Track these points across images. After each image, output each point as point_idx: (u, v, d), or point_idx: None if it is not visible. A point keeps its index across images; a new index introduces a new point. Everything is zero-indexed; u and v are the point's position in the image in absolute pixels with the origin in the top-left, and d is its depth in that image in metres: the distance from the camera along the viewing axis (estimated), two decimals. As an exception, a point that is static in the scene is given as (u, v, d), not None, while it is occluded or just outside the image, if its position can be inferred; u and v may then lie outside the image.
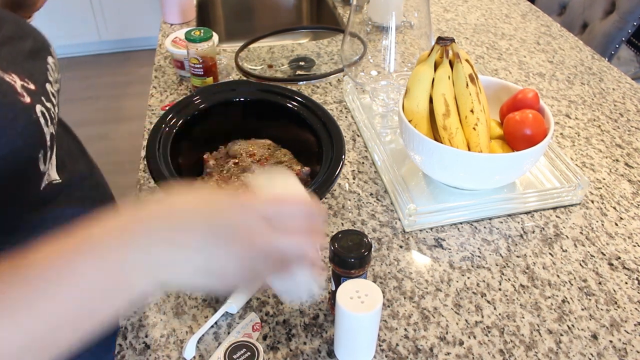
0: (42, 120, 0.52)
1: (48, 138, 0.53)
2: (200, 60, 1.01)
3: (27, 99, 0.51)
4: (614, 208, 0.83)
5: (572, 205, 0.83)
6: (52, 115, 0.55)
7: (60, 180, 0.61)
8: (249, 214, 0.41)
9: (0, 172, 0.48)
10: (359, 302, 0.55)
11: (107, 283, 0.37)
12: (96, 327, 0.38)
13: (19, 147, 0.49)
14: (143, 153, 0.90)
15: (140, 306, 0.46)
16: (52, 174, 0.59)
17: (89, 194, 0.71)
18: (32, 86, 0.53)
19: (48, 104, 0.54)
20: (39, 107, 0.52)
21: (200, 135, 0.78)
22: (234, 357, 0.54)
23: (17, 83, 0.51)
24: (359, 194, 0.84)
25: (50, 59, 0.61)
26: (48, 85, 0.57)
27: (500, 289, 0.70)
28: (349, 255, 0.58)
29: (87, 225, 0.38)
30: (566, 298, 0.69)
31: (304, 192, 0.47)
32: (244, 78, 1.12)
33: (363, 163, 0.90)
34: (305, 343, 0.63)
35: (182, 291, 0.68)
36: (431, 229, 0.78)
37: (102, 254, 0.37)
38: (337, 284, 0.61)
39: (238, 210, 0.41)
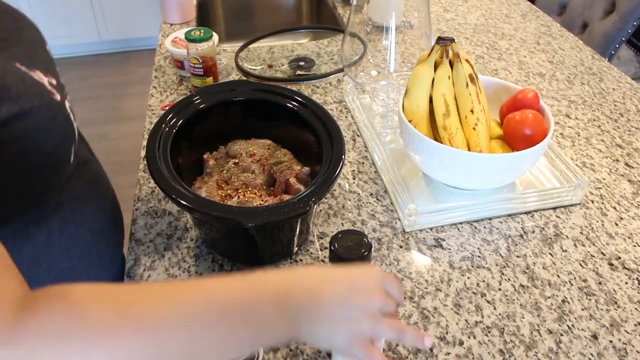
0: (71, 116, 0.56)
1: (76, 133, 0.59)
2: (200, 60, 1.01)
3: (58, 97, 0.54)
4: (614, 208, 0.83)
5: (572, 205, 0.83)
6: (72, 110, 0.59)
7: (75, 160, 0.64)
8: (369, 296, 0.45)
9: (43, 165, 0.54)
10: None
11: (262, 323, 0.42)
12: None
13: (58, 142, 0.54)
14: (143, 153, 0.90)
15: None
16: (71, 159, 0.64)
17: (95, 175, 0.73)
18: (54, 81, 0.55)
19: (68, 97, 0.57)
20: (67, 103, 0.56)
21: (200, 135, 0.78)
22: (234, 357, 0.54)
23: (44, 80, 0.53)
24: (359, 194, 0.84)
25: (47, 47, 0.62)
26: (59, 77, 0.59)
27: (500, 289, 0.70)
28: (349, 255, 0.58)
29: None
30: (566, 298, 0.69)
31: None
32: (244, 78, 1.12)
33: (363, 163, 0.90)
34: (305, 343, 0.63)
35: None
36: (431, 229, 0.78)
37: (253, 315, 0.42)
38: (337, 284, 0.61)
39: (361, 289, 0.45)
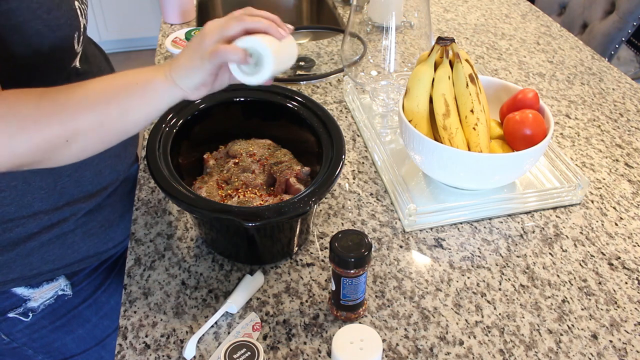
0: (78, 12, 0.69)
1: (82, 26, 0.70)
2: (200, 60, 1.00)
3: None
4: (614, 208, 0.83)
5: (572, 205, 0.83)
6: (84, 12, 0.71)
7: (81, 69, 0.75)
8: (204, 27, 0.58)
9: (49, 41, 0.65)
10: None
11: (142, 88, 0.57)
12: (133, 125, 0.59)
13: (61, 24, 0.66)
14: (143, 153, 0.90)
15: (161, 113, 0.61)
16: (77, 62, 0.74)
17: None
18: None
19: (83, 6, 0.71)
20: (76, 3, 0.69)
21: (200, 135, 0.78)
22: (234, 357, 0.54)
23: None
24: (359, 194, 0.84)
25: None
26: None
27: (500, 289, 0.70)
28: (349, 255, 0.58)
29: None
30: (566, 298, 0.69)
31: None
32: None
33: (363, 163, 0.90)
34: (305, 343, 0.63)
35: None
36: (431, 229, 0.78)
37: (136, 76, 0.58)
38: (337, 284, 0.61)
39: (200, 30, 0.59)
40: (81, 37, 0.71)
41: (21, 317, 0.79)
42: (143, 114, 0.59)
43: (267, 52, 0.56)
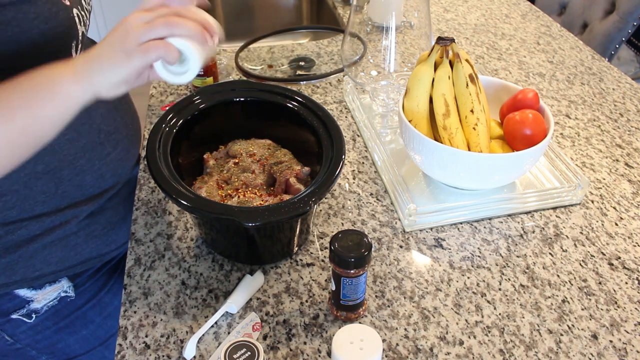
0: (76, 19, 0.68)
1: (80, 34, 0.69)
2: (200, 60, 1.01)
3: (67, 2, 0.66)
4: (614, 208, 0.83)
5: (572, 205, 0.83)
6: (84, 20, 0.71)
7: None
8: (125, 22, 0.55)
9: (45, 50, 0.64)
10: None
11: (47, 89, 0.54)
12: (44, 130, 0.56)
13: (58, 34, 0.65)
14: (143, 153, 0.90)
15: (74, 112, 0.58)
16: None
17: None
18: None
19: (82, 12, 0.70)
20: (75, 10, 0.68)
21: (200, 135, 0.78)
22: (234, 357, 0.54)
23: None
24: (359, 194, 0.84)
25: None
26: (83, 1, 0.72)
27: (500, 289, 0.70)
28: (349, 255, 0.58)
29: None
30: (566, 298, 0.69)
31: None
32: (244, 78, 1.12)
33: (363, 163, 0.90)
34: (305, 343, 0.63)
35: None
36: (431, 229, 0.78)
37: (42, 77, 0.55)
38: (337, 284, 0.61)
39: (119, 25, 0.55)
40: (79, 45, 0.70)
41: (24, 319, 0.79)
42: (49, 121, 0.55)
43: (195, 58, 0.55)
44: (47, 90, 0.54)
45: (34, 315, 0.79)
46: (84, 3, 0.72)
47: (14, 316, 0.78)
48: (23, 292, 0.78)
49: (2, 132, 0.53)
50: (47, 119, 0.55)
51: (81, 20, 0.69)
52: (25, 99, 0.54)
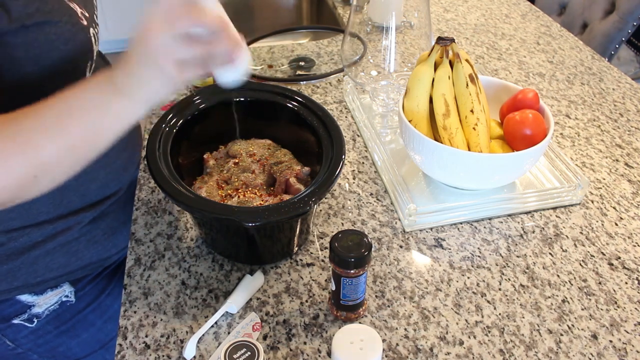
0: (92, 39, 0.68)
1: (94, 54, 0.70)
2: (200, 60, 1.00)
3: (85, 22, 0.67)
4: (614, 208, 0.83)
5: (572, 205, 0.83)
6: (97, 38, 0.71)
7: None
8: (158, 35, 0.51)
9: (61, 70, 0.64)
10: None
11: (99, 108, 0.53)
12: (102, 144, 0.55)
13: (76, 55, 0.65)
14: (143, 153, 0.90)
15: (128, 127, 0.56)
16: None
17: None
18: (86, 14, 0.69)
19: (96, 29, 0.70)
20: (91, 30, 0.68)
21: (200, 135, 0.78)
22: (234, 357, 0.54)
23: (78, 10, 0.66)
24: (359, 194, 0.84)
25: None
26: (94, 16, 0.72)
27: (500, 289, 0.70)
28: (349, 255, 0.58)
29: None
30: (566, 298, 0.69)
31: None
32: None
33: (363, 163, 0.90)
34: (305, 343, 0.63)
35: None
36: (431, 229, 0.78)
37: (92, 93, 0.54)
38: (337, 284, 0.61)
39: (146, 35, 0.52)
40: (93, 64, 0.70)
41: (26, 323, 0.79)
42: (111, 132, 0.55)
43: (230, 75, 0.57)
44: (96, 108, 0.53)
45: (35, 320, 0.79)
46: (95, 20, 0.71)
47: (15, 321, 0.78)
48: (24, 298, 0.78)
49: (64, 147, 0.52)
50: (102, 132, 0.54)
51: (96, 39, 0.70)
52: (83, 115, 0.52)
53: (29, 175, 0.52)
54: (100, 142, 0.55)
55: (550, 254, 0.75)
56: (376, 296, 0.68)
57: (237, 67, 0.55)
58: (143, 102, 0.54)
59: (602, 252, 0.76)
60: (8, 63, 0.60)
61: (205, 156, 0.80)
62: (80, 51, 0.66)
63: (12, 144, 0.50)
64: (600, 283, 0.71)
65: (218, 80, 0.58)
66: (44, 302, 0.79)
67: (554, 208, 0.82)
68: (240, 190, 0.74)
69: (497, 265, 0.73)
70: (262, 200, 0.72)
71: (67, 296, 0.81)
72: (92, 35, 0.68)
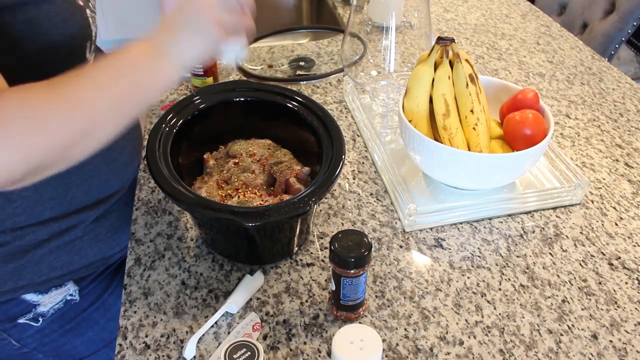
0: (90, 20, 0.69)
1: (93, 34, 0.71)
2: (200, 60, 1.01)
3: (81, 3, 0.68)
4: (614, 208, 0.83)
5: (572, 205, 0.83)
6: (94, 20, 0.72)
7: None
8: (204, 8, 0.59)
9: (61, 49, 0.65)
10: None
11: (145, 68, 0.57)
12: (145, 102, 0.58)
13: (75, 33, 0.67)
14: (143, 153, 0.90)
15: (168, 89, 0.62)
16: None
17: None
18: None
19: (92, 14, 0.71)
20: (88, 11, 0.69)
21: (200, 135, 0.78)
22: (234, 357, 0.54)
23: None
24: (359, 194, 0.84)
25: None
26: (90, 1, 0.73)
27: (500, 289, 0.70)
28: (349, 255, 0.58)
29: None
30: (566, 298, 0.69)
31: None
32: (244, 78, 1.12)
33: (363, 163, 0.90)
34: (305, 343, 0.63)
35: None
36: (431, 229, 0.78)
37: (133, 55, 0.58)
38: (337, 284, 0.61)
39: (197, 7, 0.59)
40: (92, 46, 0.72)
41: (31, 323, 0.79)
42: (153, 91, 0.59)
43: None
44: (143, 68, 0.57)
45: (40, 319, 0.80)
46: (91, 6, 0.72)
47: (20, 321, 0.78)
48: (30, 297, 0.78)
49: (113, 101, 0.55)
50: (146, 90, 0.58)
51: (92, 20, 0.71)
52: (128, 75, 0.56)
53: (80, 132, 0.53)
54: (143, 99, 0.58)
55: (550, 254, 0.75)
56: (376, 296, 0.68)
57: (244, 44, 0.63)
58: (182, 63, 0.59)
59: (602, 252, 0.76)
60: (8, 41, 0.61)
61: (205, 156, 0.80)
62: (79, 30, 0.67)
63: (68, 103, 0.52)
64: (600, 283, 0.71)
65: (225, 56, 0.63)
66: (49, 301, 0.79)
67: (554, 208, 0.82)
68: (240, 190, 0.74)
69: (497, 265, 0.73)
70: (262, 200, 0.72)
71: (71, 295, 0.81)
72: (89, 16, 0.69)
